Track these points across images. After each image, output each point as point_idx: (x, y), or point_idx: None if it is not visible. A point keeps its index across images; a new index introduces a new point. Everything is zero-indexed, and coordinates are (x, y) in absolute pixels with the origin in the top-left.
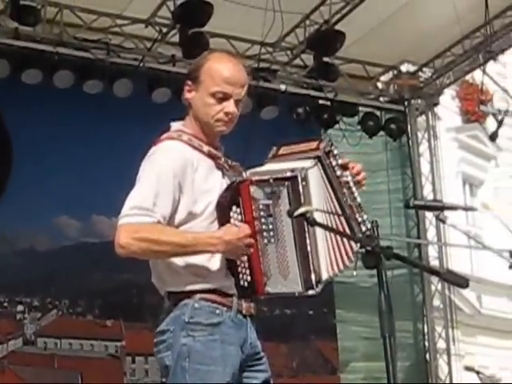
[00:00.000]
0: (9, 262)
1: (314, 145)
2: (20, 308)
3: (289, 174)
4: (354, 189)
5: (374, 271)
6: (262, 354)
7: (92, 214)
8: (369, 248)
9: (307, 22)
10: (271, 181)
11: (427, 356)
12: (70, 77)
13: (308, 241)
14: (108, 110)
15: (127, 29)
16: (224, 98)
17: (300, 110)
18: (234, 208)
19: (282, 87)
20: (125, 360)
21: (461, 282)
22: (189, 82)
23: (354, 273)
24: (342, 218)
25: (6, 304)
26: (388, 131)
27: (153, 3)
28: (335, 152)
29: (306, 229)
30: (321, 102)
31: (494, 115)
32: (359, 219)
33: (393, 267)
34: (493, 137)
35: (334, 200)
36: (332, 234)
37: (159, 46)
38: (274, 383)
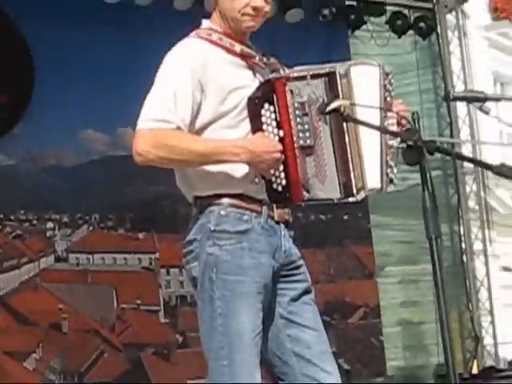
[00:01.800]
0: (36, 179)
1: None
2: (50, 225)
3: (327, 70)
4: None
5: (407, 174)
6: (300, 262)
7: (117, 126)
8: (410, 142)
9: None
10: (308, 77)
11: (464, 257)
12: None
13: (348, 141)
14: (129, 19)
15: None
16: None
17: (326, 12)
18: (266, 105)
19: None
20: (159, 272)
21: None
22: None
23: (395, 170)
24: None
25: (35, 222)
26: (417, 30)
27: None
28: (392, 81)
29: (346, 128)
30: (347, 2)
31: None
32: (389, 161)
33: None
34: None
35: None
36: (385, 139)
37: None
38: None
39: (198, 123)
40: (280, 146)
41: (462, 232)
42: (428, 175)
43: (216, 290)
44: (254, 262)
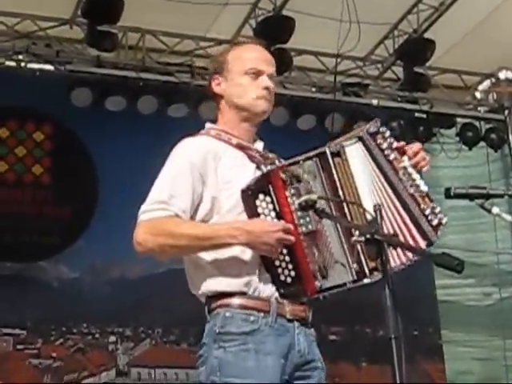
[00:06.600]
0: (100, 292)
1: (359, 129)
2: (112, 339)
3: (318, 150)
4: (414, 175)
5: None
6: (318, 364)
7: None
8: (368, 236)
9: (395, 33)
10: (301, 162)
11: None
12: (154, 102)
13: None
14: (194, 133)
15: (212, 50)
16: (258, 74)
17: (394, 124)
18: (261, 196)
19: (374, 102)
20: None
21: (453, 264)
22: (215, 76)
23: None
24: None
25: (97, 335)
26: (488, 142)
27: (236, 22)
28: (386, 134)
29: (347, 208)
30: (416, 114)
31: None
32: (427, 211)
33: (501, 285)
34: None
35: (387, 187)
36: (396, 218)
37: None
38: None
39: (201, 214)
40: (280, 225)
41: None
42: (389, 271)
43: None
44: (260, 365)
